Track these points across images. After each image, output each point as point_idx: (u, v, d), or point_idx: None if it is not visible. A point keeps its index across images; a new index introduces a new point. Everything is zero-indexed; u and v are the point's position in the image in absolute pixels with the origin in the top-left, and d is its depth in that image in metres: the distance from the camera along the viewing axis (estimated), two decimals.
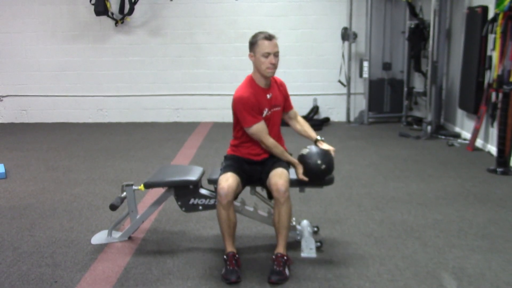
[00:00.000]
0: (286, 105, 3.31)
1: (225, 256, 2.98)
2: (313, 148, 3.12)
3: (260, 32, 3.08)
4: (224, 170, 3.09)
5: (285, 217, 2.96)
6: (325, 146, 3.16)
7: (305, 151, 3.12)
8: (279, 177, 2.96)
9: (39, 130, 7.44)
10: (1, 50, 7.81)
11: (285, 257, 2.95)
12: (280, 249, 2.98)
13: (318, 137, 3.22)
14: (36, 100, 7.96)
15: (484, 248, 3.27)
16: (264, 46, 3.01)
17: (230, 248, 3.01)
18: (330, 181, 3.31)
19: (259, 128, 3.07)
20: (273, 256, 2.97)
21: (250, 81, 3.13)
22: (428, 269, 3.00)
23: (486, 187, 4.52)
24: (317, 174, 3.08)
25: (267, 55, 3.01)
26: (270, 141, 3.11)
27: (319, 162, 3.04)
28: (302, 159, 3.10)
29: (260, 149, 3.17)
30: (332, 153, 3.14)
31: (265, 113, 3.12)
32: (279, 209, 2.95)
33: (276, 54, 3.04)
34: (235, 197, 3.15)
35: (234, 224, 3.02)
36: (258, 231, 3.59)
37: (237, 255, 3.00)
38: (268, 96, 3.13)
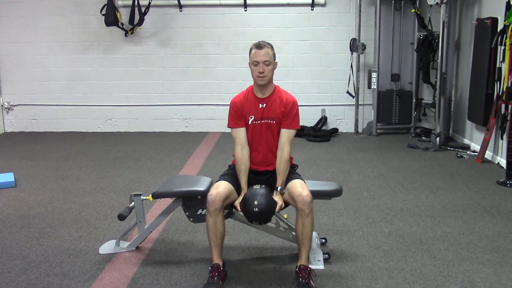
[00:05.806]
0: (283, 122, 3.13)
1: (209, 267, 2.96)
2: (261, 190, 2.93)
3: (257, 41, 3.10)
4: (220, 178, 3.12)
5: (309, 228, 2.92)
6: (276, 197, 2.98)
7: (254, 186, 2.99)
8: (301, 188, 2.93)
9: (48, 139, 7.49)
10: (12, 60, 7.89)
11: (308, 269, 2.92)
12: (303, 261, 2.95)
13: (279, 188, 3.02)
14: (46, 110, 8.02)
15: (493, 261, 3.24)
16: (254, 55, 3.05)
17: (215, 260, 2.97)
18: (338, 193, 3.30)
19: (235, 133, 3.20)
20: (296, 269, 2.94)
21: (248, 89, 3.22)
22: (437, 282, 2.97)
23: (495, 200, 4.49)
24: (248, 211, 2.91)
25: (256, 63, 3.04)
26: (237, 153, 3.13)
27: (256, 203, 2.85)
28: (248, 191, 2.98)
29: (258, 156, 3.16)
30: (277, 208, 2.94)
31: (250, 120, 3.13)
32: (303, 220, 2.90)
33: (266, 63, 3.03)
34: (230, 206, 3.13)
35: (222, 234, 2.97)
36: (266, 242, 3.58)
37: (221, 268, 2.95)
38: (261, 105, 3.13)
